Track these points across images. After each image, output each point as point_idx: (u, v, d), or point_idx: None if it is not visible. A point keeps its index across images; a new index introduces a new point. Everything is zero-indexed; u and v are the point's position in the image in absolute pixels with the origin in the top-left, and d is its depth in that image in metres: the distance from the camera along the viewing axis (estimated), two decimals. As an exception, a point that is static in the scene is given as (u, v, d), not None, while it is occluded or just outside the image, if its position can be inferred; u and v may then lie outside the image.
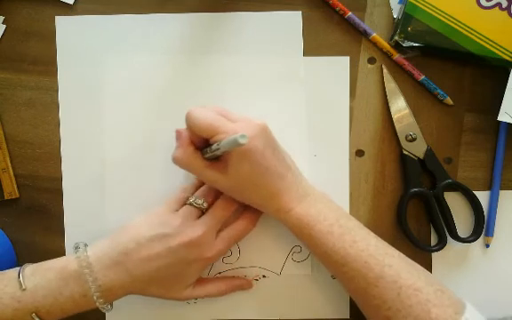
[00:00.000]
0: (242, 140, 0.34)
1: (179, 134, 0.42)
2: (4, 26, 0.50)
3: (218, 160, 0.42)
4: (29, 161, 0.50)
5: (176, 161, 0.42)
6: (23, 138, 0.50)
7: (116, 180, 0.49)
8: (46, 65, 0.50)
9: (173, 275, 0.42)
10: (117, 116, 0.50)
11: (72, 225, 0.49)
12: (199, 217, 0.44)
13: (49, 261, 0.42)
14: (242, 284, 0.48)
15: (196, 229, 0.42)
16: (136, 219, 0.43)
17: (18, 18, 0.50)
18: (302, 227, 0.42)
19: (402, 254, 0.42)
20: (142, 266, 0.41)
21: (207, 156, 0.42)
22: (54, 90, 0.50)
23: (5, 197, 0.49)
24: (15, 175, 0.50)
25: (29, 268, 0.41)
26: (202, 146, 0.42)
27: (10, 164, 0.49)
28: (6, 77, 0.50)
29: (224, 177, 0.41)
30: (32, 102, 0.50)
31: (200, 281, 0.46)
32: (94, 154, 0.49)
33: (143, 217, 0.43)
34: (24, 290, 0.39)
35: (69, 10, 0.50)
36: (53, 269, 0.41)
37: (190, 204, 0.44)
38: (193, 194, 0.45)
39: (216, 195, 0.45)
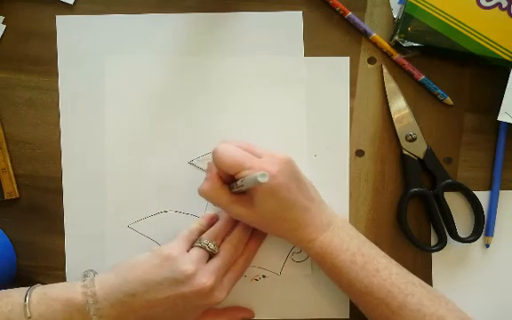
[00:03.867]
0: (262, 179, 0.35)
1: (210, 167, 0.43)
2: (4, 26, 0.50)
3: (244, 194, 0.42)
4: (29, 161, 0.50)
5: (202, 193, 0.42)
6: (23, 138, 0.50)
7: (116, 179, 0.49)
8: (46, 65, 0.50)
9: (179, 315, 0.42)
10: (117, 115, 0.49)
11: (72, 225, 0.49)
12: (208, 259, 0.43)
13: (56, 288, 0.42)
14: (244, 316, 0.49)
15: (208, 278, 0.41)
16: (144, 256, 0.42)
17: (18, 18, 0.50)
18: (325, 256, 0.43)
19: (422, 281, 0.43)
20: (149, 307, 0.41)
21: (234, 190, 0.42)
22: (54, 90, 0.50)
23: (5, 197, 0.49)
24: (15, 175, 0.50)
25: (36, 295, 0.41)
26: (229, 180, 0.43)
27: (10, 164, 0.49)
28: (6, 77, 0.50)
29: (250, 211, 0.42)
30: (32, 102, 0.50)
31: (204, 314, 0.45)
32: (94, 154, 0.49)
33: (153, 256, 0.42)
34: (29, 318, 0.40)
35: (69, 10, 0.50)
36: (59, 300, 0.40)
37: (202, 247, 0.43)
38: (202, 226, 0.45)
39: (225, 236, 0.45)
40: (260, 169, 0.39)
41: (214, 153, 0.41)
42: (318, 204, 0.44)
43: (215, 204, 0.43)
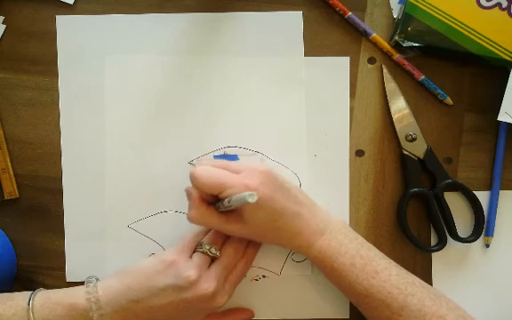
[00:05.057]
0: (251, 200, 0.35)
1: (189, 194, 0.43)
2: (4, 26, 0.50)
3: (233, 211, 0.42)
4: (29, 161, 0.50)
5: (192, 221, 0.42)
6: (23, 138, 0.50)
7: (116, 179, 0.49)
8: (46, 65, 0.50)
9: (181, 318, 0.43)
10: (117, 115, 0.49)
11: (72, 225, 0.49)
12: (210, 264, 0.43)
13: (59, 293, 0.42)
14: (245, 317, 0.49)
15: (211, 283, 0.41)
16: (148, 261, 0.42)
17: (18, 18, 0.50)
18: (324, 260, 0.43)
19: (422, 281, 0.43)
20: (152, 312, 0.41)
21: (221, 210, 0.42)
22: (54, 90, 0.50)
23: (5, 197, 0.49)
24: (15, 175, 0.50)
25: (39, 298, 0.41)
26: (213, 200, 0.42)
27: (10, 164, 0.49)
28: (6, 77, 0.50)
29: (242, 227, 0.42)
30: (32, 102, 0.50)
31: (206, 318, 0.45)
32: (94, 154, 0.49)
33: (156, 262, 0.42)
34: None
35: (69, 10, 0.50)
36: (63, 305, 0.41)
37: (204, 252, 0.43)
38: (202, 234, 0.45)
39: (225, 238, 0.45)
40: (241, 184, 0.39)
41: (193, 177, 0.41)
42: (309, 207, 0.44)
43: (206, 226, 0.43)
